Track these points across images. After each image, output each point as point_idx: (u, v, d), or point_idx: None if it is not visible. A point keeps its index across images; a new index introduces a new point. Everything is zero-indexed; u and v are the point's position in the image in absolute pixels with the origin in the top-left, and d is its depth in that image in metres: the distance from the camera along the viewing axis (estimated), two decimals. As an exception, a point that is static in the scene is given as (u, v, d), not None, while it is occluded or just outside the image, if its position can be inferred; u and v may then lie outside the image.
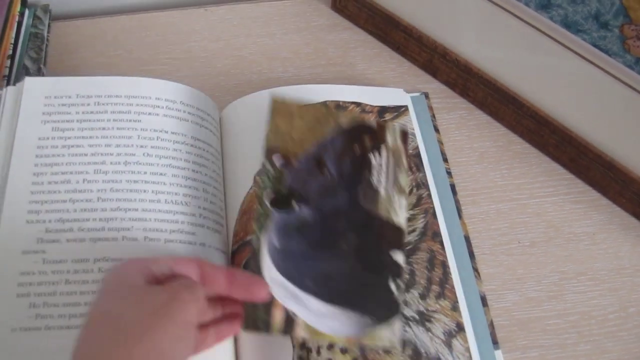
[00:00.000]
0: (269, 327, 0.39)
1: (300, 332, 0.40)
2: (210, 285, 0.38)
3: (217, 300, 0.40)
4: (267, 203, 0.42)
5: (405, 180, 0.45)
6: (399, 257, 0.43)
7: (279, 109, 0.46)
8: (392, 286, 0.42)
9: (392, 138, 0.46)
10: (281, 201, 0.43)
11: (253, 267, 0.41)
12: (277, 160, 0.44)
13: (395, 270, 0.42)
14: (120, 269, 0.37)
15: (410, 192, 0.50)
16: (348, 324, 0.40)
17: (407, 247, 0.47)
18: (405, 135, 0.47)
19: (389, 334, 0.40)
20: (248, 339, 0.43)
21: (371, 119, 0.51)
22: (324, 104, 0.49)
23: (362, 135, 0.46)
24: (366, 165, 0.45)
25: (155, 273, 0.36)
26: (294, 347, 0.43)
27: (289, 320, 0.40)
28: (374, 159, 0.45)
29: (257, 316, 0.39)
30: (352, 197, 0.44)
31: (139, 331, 0.33)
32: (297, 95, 0.53)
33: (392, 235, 0.43)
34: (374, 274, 0.42)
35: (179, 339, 0.34)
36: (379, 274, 0.42)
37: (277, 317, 0.40)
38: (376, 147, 0.46)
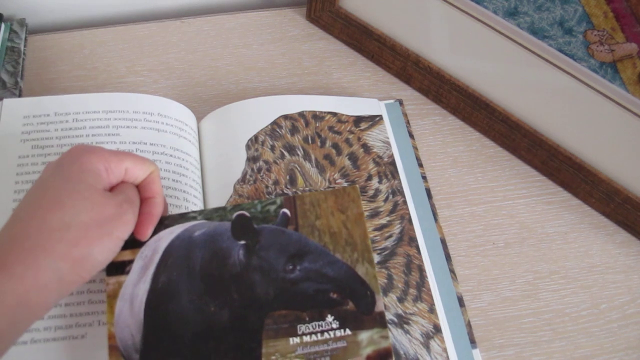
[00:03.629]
0: None
1: None
2: (141, 192, 0.41)
3: None
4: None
5: None
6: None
7: None
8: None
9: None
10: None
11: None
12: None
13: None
14: (85, 159, 0.38)
15: (387, 199, 0.51)
16: None
17: (385, 253, 0.48)
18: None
19: None
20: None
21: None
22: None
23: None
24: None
25: (111, 180, 0.39)
26: None
27: None
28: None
29: None
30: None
31: (83, 239, 0.35)
32: (276, 105, 0.54)
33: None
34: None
35: (110, 252, 0.37)
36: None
37: None
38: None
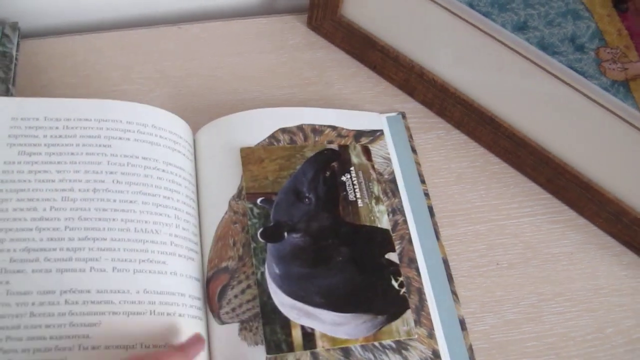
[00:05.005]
0: (291, 346, 0.43)
1: (321, 344, 0.43)
2: None
3: None
4: (260, 238, 0.46)
5: (377, 189, 0.50)
6: (392, 256, 0.47)
7: (249, 157, 0.50)
8: (395, 283, 0.46)
9: (356, 156, 0.51)
10: (272, 234, 0.46)
11: (229, 294, 0.43)
12: (259, 200, 0.48)
13: (393, 268, 0.46)
14: None
15: (386, 218, 0.50)
16: (363, 326, 0.44)
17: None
18: (367, 150, 0.52)
19: (403, 326, 0.44)
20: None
21: (334, 144, 0.52)
22: (287, 143, 0.52)
23: (328, 159, 0.51)
24: (339, 185, 0.49)
25: None
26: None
27: (308, 336, 0.43)
28: (344, 178, 0.50)
29: (278, 339, 0.43)
30: (334, 214, 0.48)
31: None
32: (274, 118, 0.53)
33: (381, 238, 0.48)
34: (374, 277, 0.46)
35: None
36: (379, 275, 0.46)
37: (297, 336, 0.43)
38: (343, 167, 0.50)
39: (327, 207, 0.48)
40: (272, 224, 0.47)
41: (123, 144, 0.47)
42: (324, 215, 0.47)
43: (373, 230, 0.48)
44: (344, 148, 0.51)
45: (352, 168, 0.50)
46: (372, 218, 0.48)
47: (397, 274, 0.46)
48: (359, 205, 0.48)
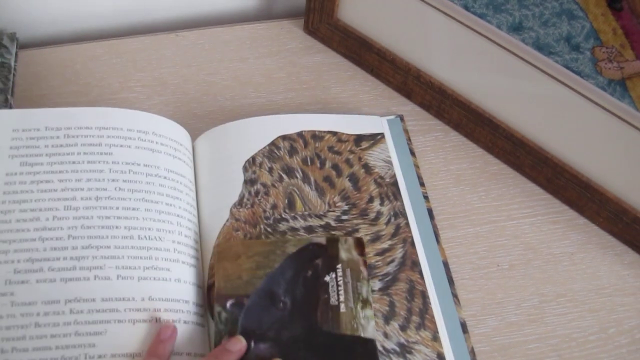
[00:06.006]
0: None
1: None
2: None
3: None
4: None
5: (367, 289, 0.44)
6: None
7: (225, 253, 0.46)
8: None
9: (346, 251, 0.46)
10: None
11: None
12: (229, 304, 0.43)
13: None
14: None
15: (388, 222, 0.50)
16: None
17: (387, 279, 0.47)
18: (360, 243, 0.46)
19: None
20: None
21: (320, 237, 0.48)
22: (267, 238, 0.48)
23: (311, 256, 0.45)
24: (321, 287, 0.44)
25: None
26: None
27: None
28: (328, 277, 0.44)
29: None
30: (310, 322, 0.43)
31: None
32: (274, 125, 0.53)
33: (362, 350, 0.42)
34: None
35: None
36: None
37: None
38: (329, 264, 0.45)
39: (303, 314, 0.43)
40: (239, 332, 0.42)
41: (124, 152, 0.47)
42: (299, 322, 0.43)
43: (354, 340, 0.42)
44: (333, 242, 0.46)
45: (339, 266, 0.45)
46: (356, 326, 0.43)
47: None
48: (341, 310, 0.43)
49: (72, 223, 0.44)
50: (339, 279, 0.44)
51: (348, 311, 0.43)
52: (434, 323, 0.46)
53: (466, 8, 0.50)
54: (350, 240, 0.46)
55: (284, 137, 0.52)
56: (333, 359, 0.42)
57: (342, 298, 0.44)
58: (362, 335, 0.43)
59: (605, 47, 0.44)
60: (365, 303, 0.44)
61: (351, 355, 0.42)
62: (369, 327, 0.43)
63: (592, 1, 0.43)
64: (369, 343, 0.42)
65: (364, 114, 0.57)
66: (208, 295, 0.45)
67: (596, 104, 0.47)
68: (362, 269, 0.45)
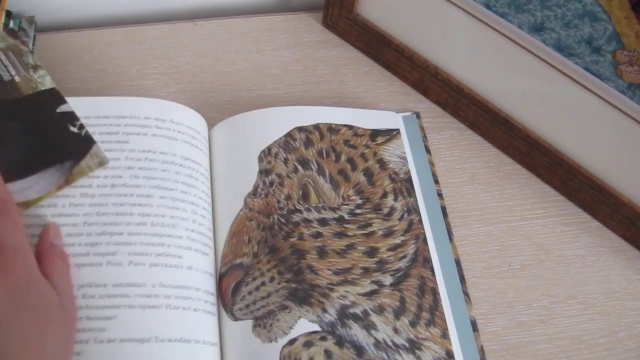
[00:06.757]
0: None
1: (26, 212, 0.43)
2: None
3: None
4: None
5: (32, 58, 0.49)
6: (65, 108, 0.47)
7: None
8: (74, 129, 0.46)
9: (2, 42, 0.50)
10: None
11: (243, 291, 0.42)
12: None
13: (68, 117, 0.47)
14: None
15: (401, 217, 0.49)
16: (52, 178, 0.44)
17: (398, 274, 0.47)
18: (12, 31, 0.52)
19: (92, 160, 0.45)
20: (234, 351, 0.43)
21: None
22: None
23: None
24: None
25: None
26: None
27: None
28: None
29: None
30: None
31: None
32: (291, 116, 0.53)
33: (46, 97, 0.47)
34: (48, 132, 0.46)
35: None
36: (52, 129, 0.46)
37: None
38: None
39: None
40: None
41: (141, 140, 0.47)
42: None
43: (36, 95, 0.47)
44: None
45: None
46: (34, 85, 0.47)
47: (73, 120, 0.47)
48: (17, 81, 0.47)
49: (88, 210, 0.44)
50: (4, 61, 0.48)
51: (23, 79, 0.48)
52: (444, 320, 0.46)
53: (487, 7, 0.50)
54: (2, 32, 0.51)
55: (300, 129, 0.52)
56: (23, 115, 0.46)
57: (13, 72, 0.48)
58: (42, 89, 0.48)
59: (626, 51, 0.44)
60: (36, 67, 0.48)
61: (37, 105, 0.47)
62: (46, 80, 0.48)
63: (616, 4, 0.43)
64: (50, 91, 0.48)
65: (380, 110, 0.57)
66: (220, 283, 0.46)
67: (615, 107, 0.47)
68: (22, 47, 0.50)
